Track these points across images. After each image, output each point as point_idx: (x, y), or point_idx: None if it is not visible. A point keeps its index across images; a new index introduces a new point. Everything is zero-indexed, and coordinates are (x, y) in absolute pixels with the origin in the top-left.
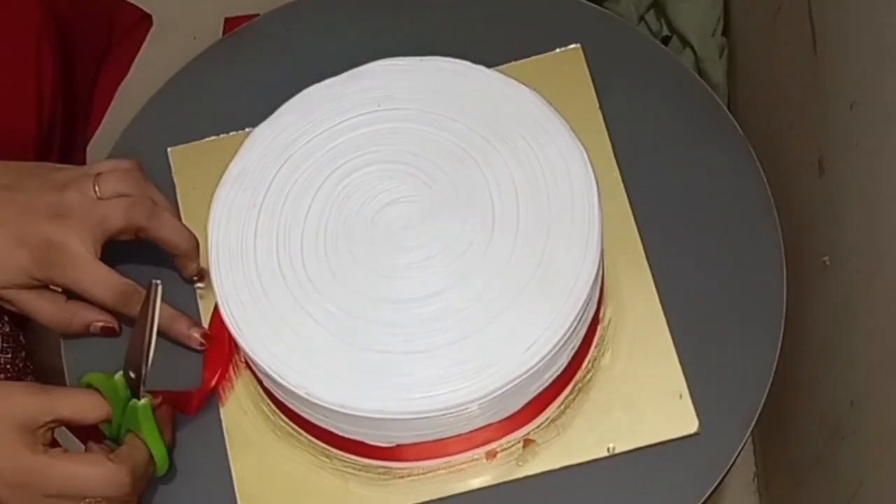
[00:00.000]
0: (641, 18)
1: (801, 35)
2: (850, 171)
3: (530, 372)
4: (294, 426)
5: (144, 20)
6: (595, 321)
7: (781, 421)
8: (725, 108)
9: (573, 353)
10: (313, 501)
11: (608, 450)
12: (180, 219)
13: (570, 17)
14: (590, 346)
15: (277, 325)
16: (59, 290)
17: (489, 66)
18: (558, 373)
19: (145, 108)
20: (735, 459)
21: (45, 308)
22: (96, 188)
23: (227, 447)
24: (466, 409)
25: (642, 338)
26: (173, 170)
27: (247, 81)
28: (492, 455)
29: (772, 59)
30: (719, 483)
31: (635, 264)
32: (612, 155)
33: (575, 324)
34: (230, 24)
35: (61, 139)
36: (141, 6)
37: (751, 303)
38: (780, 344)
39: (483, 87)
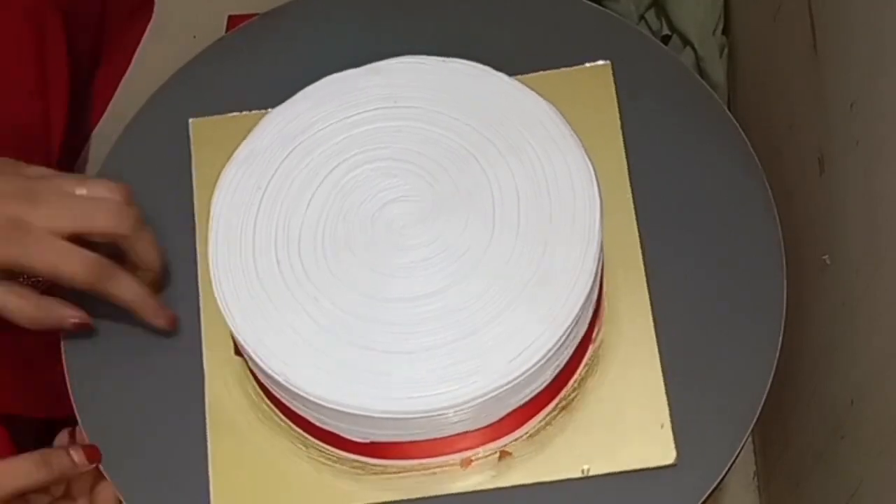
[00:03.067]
0: (641, 17)
1: (802, 34)
2: (850, 170)
3: (510, 384)
4: (275, 411)
5: (145, 7)
6: (587, 340)
7: (781, 420)
8: (725, 107)
9: (558, 370)
10: (285, 487)
11: (583, 471)
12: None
13: (593, 28)
14: (578, 365)
15: (266, 310)
16: (29, 283)
17: (517, 74)
18: (541, 388)
19: (173, 78)
20: (735, 459)
21: (13, 302)
22: (82, 188)
23: (207, 423)
24: (443, 414)
25: (632, 362)
26: (192, 141)
27: (279, 61)
28: (467, 462)
29: (772, 57)
30: (719, 483)
31: (634, 284)
32: (626, 175)
33: (562, 341)
34: (233, 21)
35: (62, 131)
36: None
37: (751, 302)
38: (780, 343)
39: (500, 93)
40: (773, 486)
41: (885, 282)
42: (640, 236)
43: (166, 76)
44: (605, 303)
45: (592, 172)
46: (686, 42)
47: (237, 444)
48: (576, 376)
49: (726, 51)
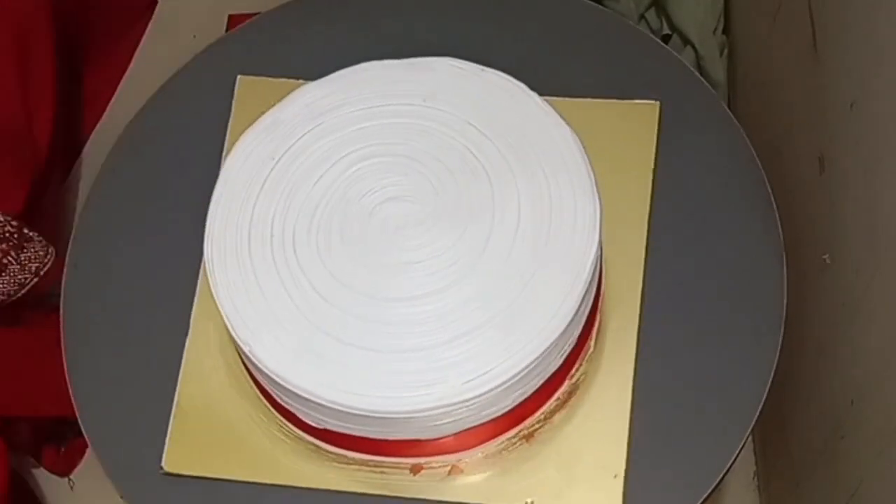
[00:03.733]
0: (642, 17)
1: (802, 34)
2: (850, 169)
3: (465, 405)
4: (246, 376)
5: (148, 8)
6: (561, 375)
7: (782, 420)
8: (726, 107)
9: (521, 399)
10: (237, 455)
11: (526, 503)
12: None
13: (593, 27)
14: (548, 398)
15: (247, 276)
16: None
17: (518, 74)
18: (499, 414)
19: (234, 34)
20: (734, 459)
21: None
22: None
23: (180, 376)
24: (387, 418)
25: (603, 407)
26: (235, 97)
27: (341, 34)
28: (417, 469)
29: (772, 57)
30: (719, 482)
31: (626, 322)
32: (646, 221)
33: (523, 373)
34: (234, 20)
35: (50, 129)
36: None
37: (751, 301)
38: (780, 343)
39: (527, 113)
40: (773, 486)
41: (885, 282)
42: (644, 275)
43: (166, 76)
44: (591, 341)
45: (598, 213)
46: (686, 41)
47: (204, 400)
48: (543, 409)
49: (726, 50)
